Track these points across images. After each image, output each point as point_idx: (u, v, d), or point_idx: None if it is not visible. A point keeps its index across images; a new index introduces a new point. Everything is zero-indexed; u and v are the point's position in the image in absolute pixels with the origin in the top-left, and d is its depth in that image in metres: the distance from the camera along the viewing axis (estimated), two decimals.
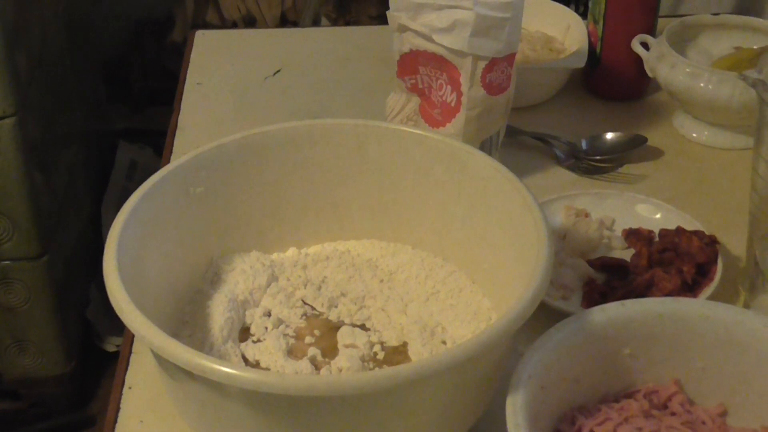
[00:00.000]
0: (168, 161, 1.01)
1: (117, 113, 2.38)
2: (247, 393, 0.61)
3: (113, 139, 2.25)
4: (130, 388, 0.76)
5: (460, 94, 0.91)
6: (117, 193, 2.12)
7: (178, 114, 1.09)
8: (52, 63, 1.80)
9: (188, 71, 1.16)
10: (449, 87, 0.92)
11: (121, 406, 0.75)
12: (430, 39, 0.90)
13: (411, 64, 0.93)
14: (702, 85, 1.02)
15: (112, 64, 2.38)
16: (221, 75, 1.16)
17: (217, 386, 0.62)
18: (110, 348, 1.95)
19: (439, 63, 0.91)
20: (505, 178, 0.75)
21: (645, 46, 1.08)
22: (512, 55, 0.91)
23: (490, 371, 0.68)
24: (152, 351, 0.67)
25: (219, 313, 0.75)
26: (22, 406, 1.86)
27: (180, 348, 0.61)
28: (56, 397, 1.86)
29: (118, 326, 1.97)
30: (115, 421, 0.74)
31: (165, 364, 0.65)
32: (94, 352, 1.95)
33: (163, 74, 2.42)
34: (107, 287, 0.66)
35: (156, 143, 2.27)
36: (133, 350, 0.80)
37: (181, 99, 1.12)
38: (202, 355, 0.61)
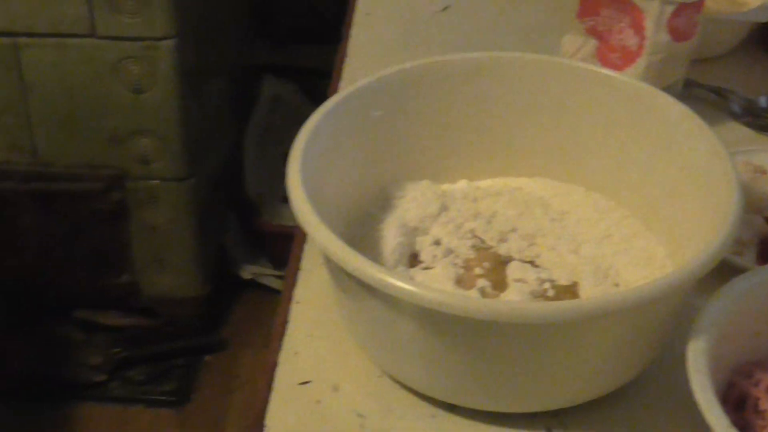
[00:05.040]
0: (336, 87, 1.01)
1: (262, 48, 2.40)
2: (425, 312, 0.61)
3: (258, 73, 2.27)
4: (298, 303, 0.77)
5: (642, 39, 0.89)
6: (259, 126, 2.15)
7: (347, 42, 1.09)
8: None
9: (357, 0, 1.16)
10: (631, 30, 0.90)
11: (289, 319, 0.76)
12: None
13: (593, 5, 0.91)
14: None
15: None
16: (390, 7, 1.16)
17: (395, 303, 0.63)
18: (245, 275, 1.99)
19: (623, 5, 0.89)
20: (695, 124, 0.73)
21: None
22: (701, 2, 0.89)
23: (666, 317, 0.67)
24: (331, 266, 0.68)
25: (391, 237, 0.75)
26: (157, 324, 1.91)
27: (366, 263, 0.62)
28: (190, 319, 1.91)
29: (253, 255, 2.01)
30: (283, 334, 0.75)
31: (343, 279, 0.66)
32: (229, 279, 1.99)
33: (309, 12, 2.42)
34: (291, 199, 0.67)
35: (300, 80, 2.29)
36: (301, 267, 0.80)
37: (350, 27, 1.12)
38: (388, 271, 0.62)
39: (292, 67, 2.34)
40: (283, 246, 1.49)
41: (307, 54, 2.34)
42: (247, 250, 2.02)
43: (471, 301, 0.62)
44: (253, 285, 2.00)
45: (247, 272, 1.98)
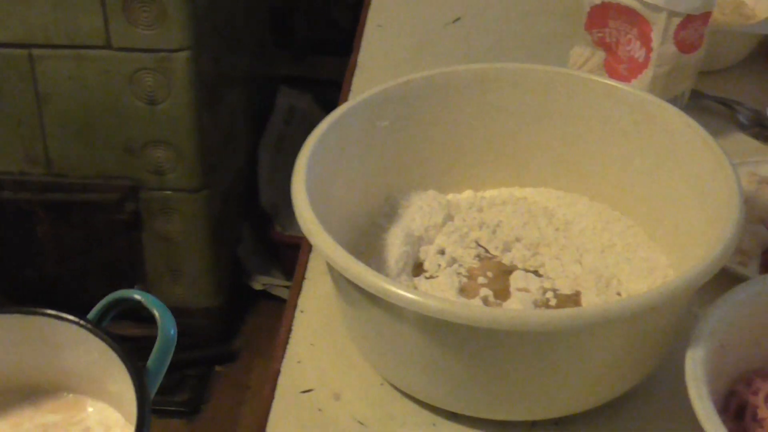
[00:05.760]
0: (346, 98, 1.02)
1: (280, 59, 2.41)
2: (426, 320, 0.62)
3: (274, 84, 2.28)
4: (302, 311, 0.78)
5: (649, 50, 0.89)
6: (274, 137, 2.15)
7: (358, 53, 1.10)
8: (226, 3, 1.83)
9: (369, 12, 1.17)
10: (638, 42, 0.90)
11: (293, 328, 0.76)
12: None
13: (601, 16, 0.92)
14: None
15: (279, 10, 2.41)
16: (402, 19, 1.17)
17: (397, 312, 0.63)
18: (257, 286, 1.99)
19: (631, 17, 0.89)
20: (698, 135, 0.73)
21: None
22: (708, 14, 0.89)
23: (667, 326, 0.67)
24: (334, 274, 0.68)
25: (395, 246, 0.76)
26: None
27: (367, 271, 0.62)
28: (203, 329, 1.90)
29: (265, 265, 2.02)
30: (287, 342, 0.75)
31: (346, 287, 0.66)
32: (241, 290, 2.00)
33: (327, 24, 2.43)
34: (295, 207, 0.68)
35: (316, 91, 2.30)
36: (306, 276, 0.81)
37: (360, 39, 1.12)
38: (388, 280, 0.62)
39: (308, 79, 2.35)
40: (296, 257, 1.49)
41: (325, 65, 2.35)
42: (260, 261, 2.03)
43: (471, 309, 0.62)
44: (266, 296, 2.00)
45: (259, 283, 1.98)
